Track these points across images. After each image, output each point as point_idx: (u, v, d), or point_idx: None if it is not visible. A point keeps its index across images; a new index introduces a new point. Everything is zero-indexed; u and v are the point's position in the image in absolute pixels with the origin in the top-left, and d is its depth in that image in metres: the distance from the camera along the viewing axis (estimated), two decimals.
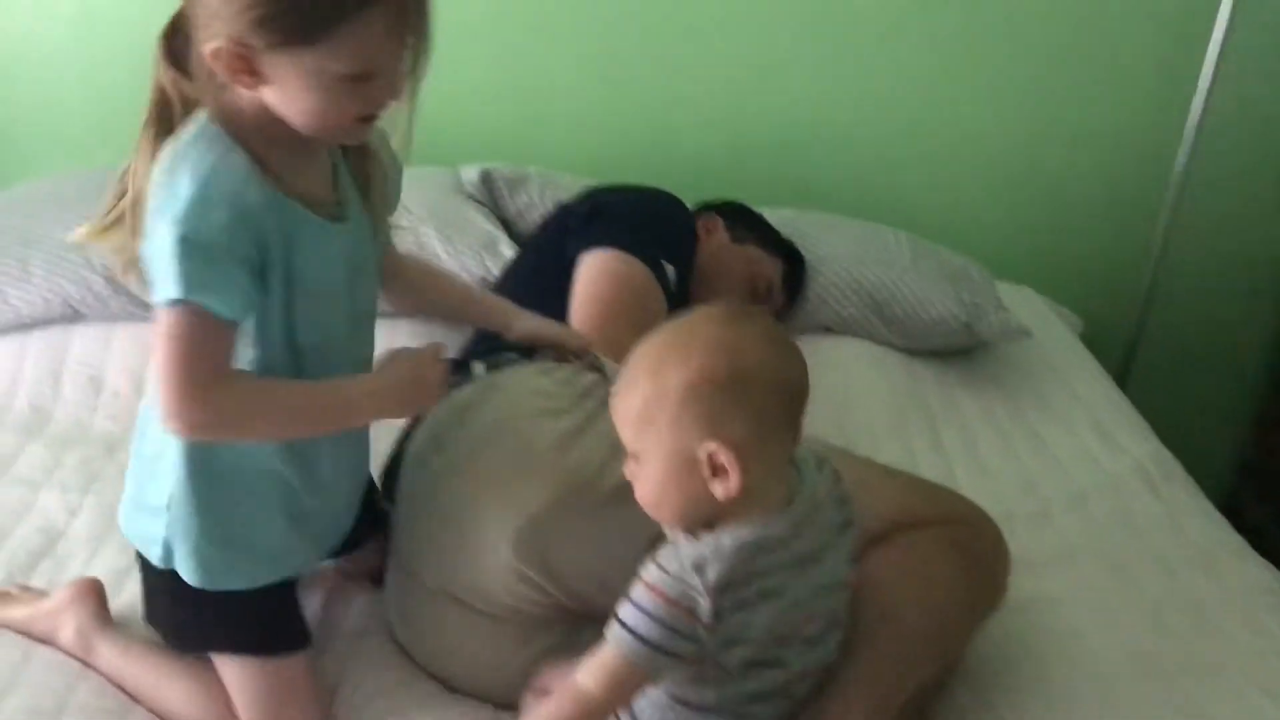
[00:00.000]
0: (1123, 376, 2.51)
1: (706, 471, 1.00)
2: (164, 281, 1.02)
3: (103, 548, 1.47)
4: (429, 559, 1.27)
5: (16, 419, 1.75)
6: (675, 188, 1.93)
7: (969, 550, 1.30)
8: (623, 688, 1.01)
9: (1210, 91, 2.32)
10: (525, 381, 1.33)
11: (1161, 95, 2.41)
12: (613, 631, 0.99)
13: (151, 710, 1.25)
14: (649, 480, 1.03)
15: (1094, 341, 2.37)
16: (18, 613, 1.33)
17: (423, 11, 1.07)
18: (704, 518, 1.03)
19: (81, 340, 1.90)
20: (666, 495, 1.03)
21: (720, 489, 1.00)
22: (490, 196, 2.17)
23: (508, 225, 2.13)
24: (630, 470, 1.05)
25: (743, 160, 2.44)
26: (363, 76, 1.04)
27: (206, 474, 1.14)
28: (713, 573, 0.98)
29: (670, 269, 1.68)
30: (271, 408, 1.10)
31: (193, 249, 1.01)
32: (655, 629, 0.98)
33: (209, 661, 1.24)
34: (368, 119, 1.10)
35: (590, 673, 1.01)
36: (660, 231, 1.75)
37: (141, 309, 1.92)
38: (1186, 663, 1.41)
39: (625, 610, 0.99)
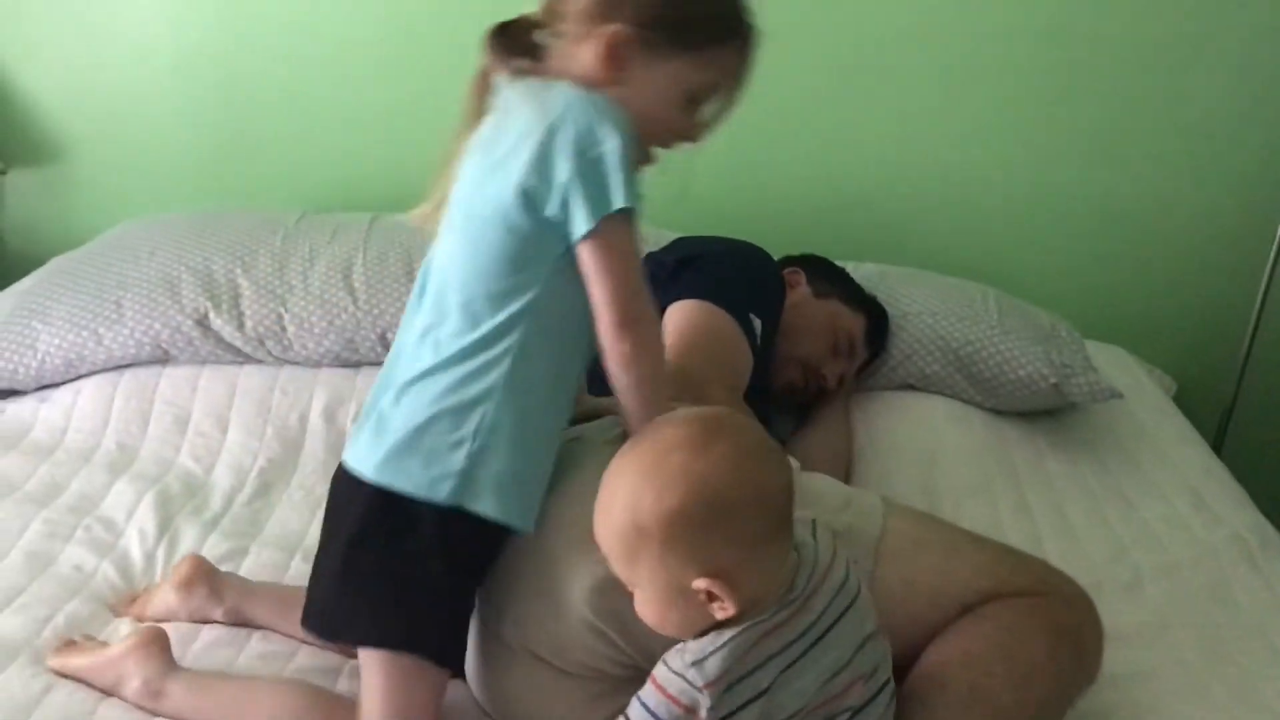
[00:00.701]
0: (1218, 441, 2.43)
1: (703, 599, 1.00)
2: (602, 197, 1.11)
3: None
4: (508, 614, 1.26)
5: (104, 456, 1.78)
6: (758, 241, 1.93)
7: (1062, 625, 1.26)
8: None
9: None
10: (605, 433, 1.32)
11: (1263, 152, 2.35)
12: None
13: None
14: (648, 605, 1.04)
15: (1187, 404, 2.30)
16: (81, 661, 1.31)
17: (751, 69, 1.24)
18: (709, 627, 1.03)
19: (169, 381, 1.93)
20: (668, 618, 1.04)
21: (719, 612, 1.01)
22: None
23: None
24: (629, 589, 1.06)
25: (826, 215, 2.42)
26: (698, 99, 1.22)
27: (524, 404, 1.16)
28: (712, 667, 0.99)
29: (758, 322, 1.67)
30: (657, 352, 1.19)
31: (627, 164, 1.12)
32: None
33: (289, 681, 1.26)
34: (665, 145, 1.24)
35: None
36: (748, 284, 1.75)
37: (228, 352, 1.96)
38: None
39: (633, 707, 1.02)
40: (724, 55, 1.21)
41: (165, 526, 1.61)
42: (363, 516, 1.17)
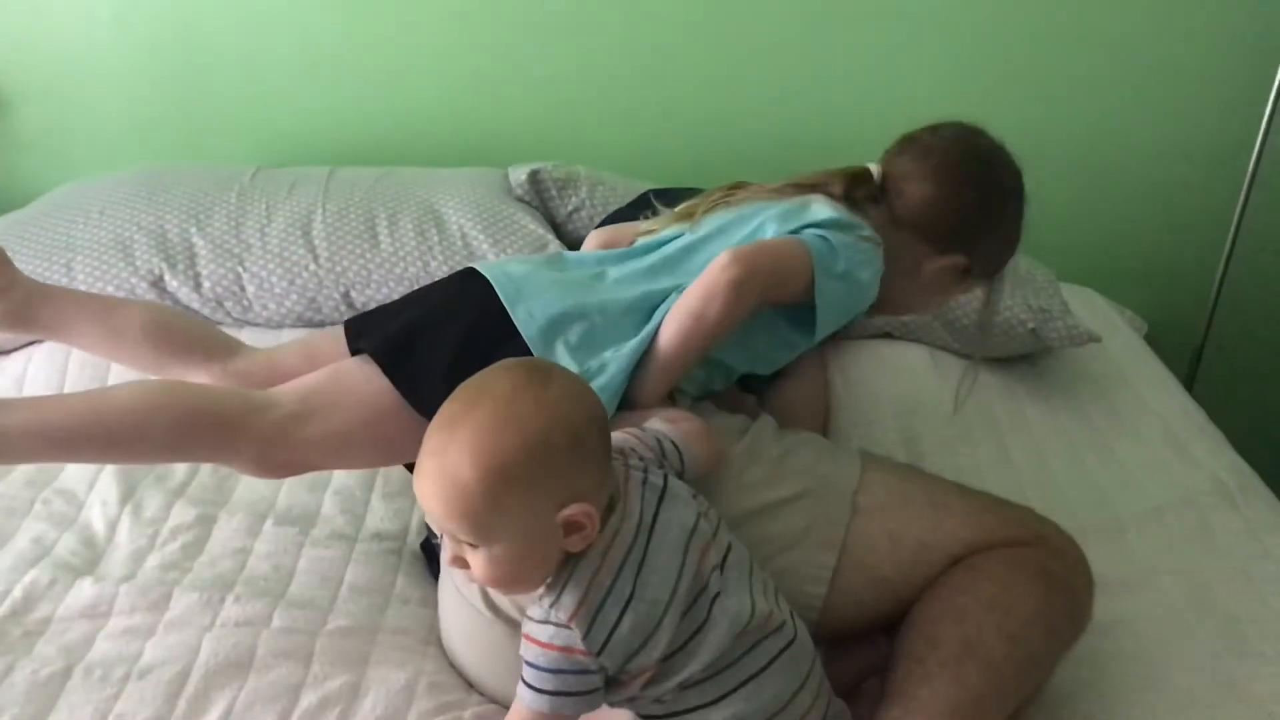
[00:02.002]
0: (1189, 381, 2.44)
1: (560, 534, 1.00)
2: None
3: (143, 560, 1.43)
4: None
5: None
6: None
7: (1052, 575, 1.24)
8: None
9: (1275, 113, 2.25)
10: None
11: (1233, 94, 2.34)
12: (518, 691, 1.02)
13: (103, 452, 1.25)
14: (502, 562, 1.01)
15: (1158, 345, 2.30)
16: None
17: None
18: (556, 568, 1.03)
19: None
20: (525, 568, 1.02)
21: (579, 541, 1.01)
22: (539, 198, 2.13)
23: (557, 227, 2.10)
24: (467, 558, 1.03)
25: (797, 163, 2.38)
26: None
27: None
28: (569, 599, 1.00)
29: None
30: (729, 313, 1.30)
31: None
32: (547, 677, 1.01)
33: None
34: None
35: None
36: None
37: (187, 311, 1.90)
38: (1277, 688, 1.34)
39: (525, 670, 1.02)
40: (992, 248, 1.50)
41: (128, 496, 1.55)
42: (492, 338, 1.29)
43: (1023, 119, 2.38)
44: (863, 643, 1.27)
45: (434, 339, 1.32)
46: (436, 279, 1.90)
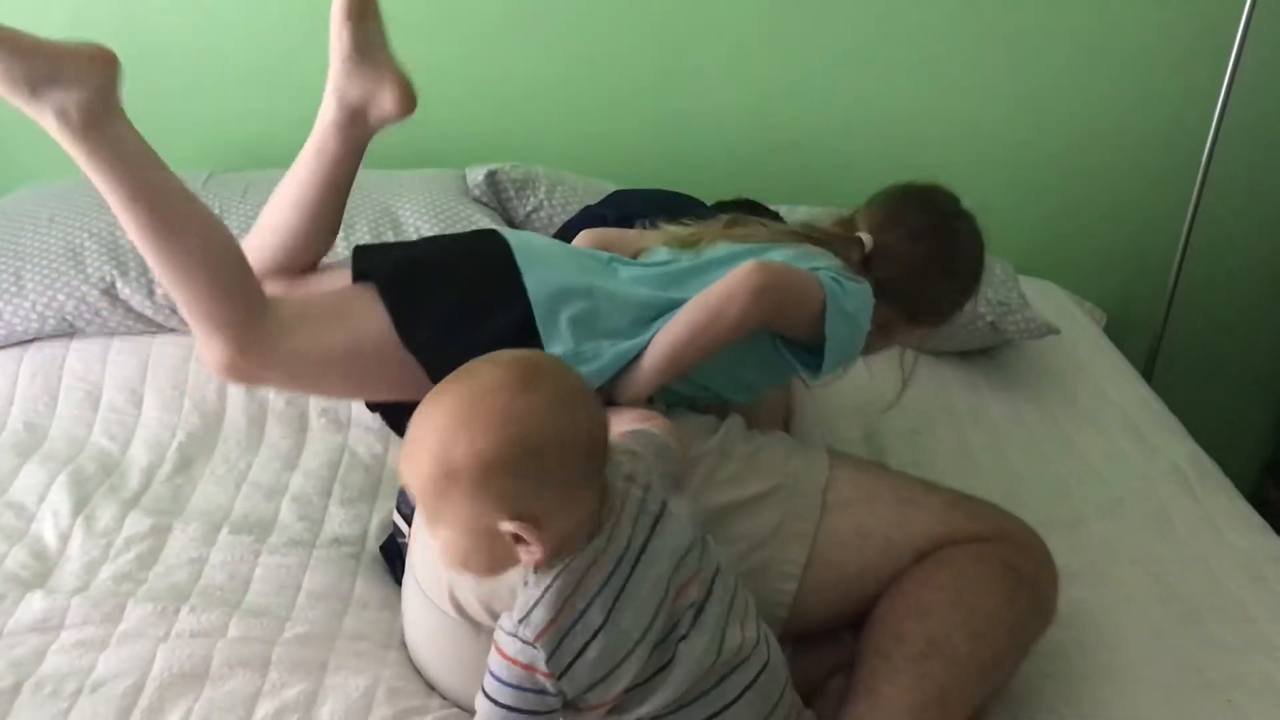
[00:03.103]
0: (1147, 371, 2.46)
1: (509, 540, 0.99)
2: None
3: (95, 572, 1.40)
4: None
5: (11, 438, 1.68)
6: (687, 186, 1.90)
7: (1017, 571, 1.25)
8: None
9: (1235, 84, 2.28)
10: None
11: (1188, 88, 2.37)
12: (478, 697, 1.02)
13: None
14: (453, 546, 1.02)
15: (1117, 336, 2.32)
16: (23, 38, 1.25)
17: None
18: (513, 567, 1.03)
19: (77, 355, 1.84)
20: (471, 559, 1.02)
21: (526, 556, 1.00)
22: (497, 199, 2.12)
23: (516, 228, 2.08)
24: (430, 531, 1.03)
25: (756, 158, 2.39)
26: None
27: None
28: (537, 618, 0.99)
29: None
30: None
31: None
32: (507, 692, 1.00)
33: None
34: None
35: None
36: None
37: (139, 322, 1.87)
38: (1237, 676, 1.35)
39: (486, 678, 1.02)
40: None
41: (81, 507, 1.52)
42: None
43: (983, 114, 2.40)
44: (828, 639, 1.27)
45: (439, 280, 1.34)
46: None
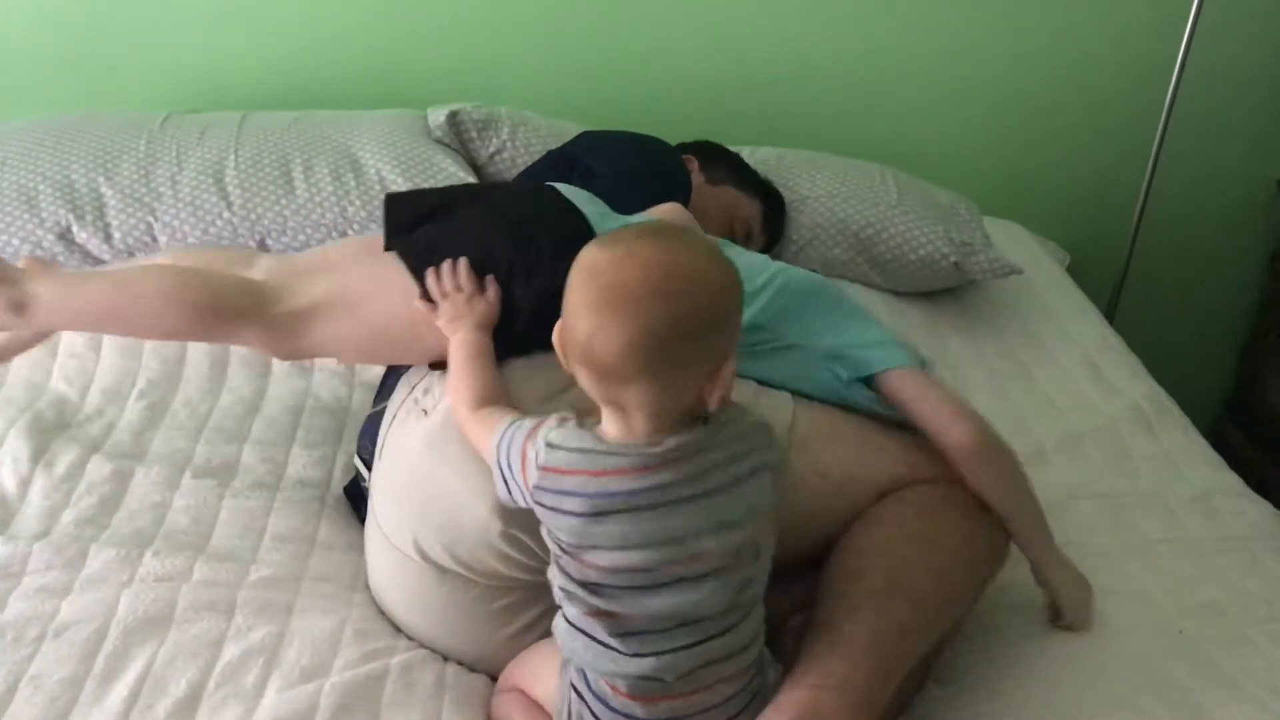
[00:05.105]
0: (1110, 311, 2.48)
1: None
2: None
3: (57, 517, 1.39)
4: (411, 525, 1.22)
5: None
6: (654, 126, 1.90)
7: (975, 509, 1.26)
8: (477, 441, 1.12)
9: (1198, 23, 2.27)
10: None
11: (1149, 26, 2.36)
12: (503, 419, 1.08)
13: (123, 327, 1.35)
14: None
15: (1080, 276, 2.34)
16: None
17: None
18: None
19: None
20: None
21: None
22: (459, 140, 2.09)
23: (478, 170, 2.07)
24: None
25: (720, 99, 2.37)
26: None
27: None
28: (549, 459, 1.02)
29: None
30: None
31: None
32: (513, 441, 1.05)
33: (160, 265, 1.39)
34: None
35: (477, 426, 1.12)
36: (661, 176, 1.74)
37: (97, 266, 1.85)
38: (1188, 606, 1.38)
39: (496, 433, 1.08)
40: None
41: (40, 453, 1.50)
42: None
43: (944, 52, 2.38)
44: (789, 577, 1.28)
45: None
46: (355, 223, 1.88)
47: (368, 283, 1.34)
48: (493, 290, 1.28)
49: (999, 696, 1.23)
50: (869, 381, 1.32)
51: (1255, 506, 1.61)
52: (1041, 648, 1.30)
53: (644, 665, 1.02)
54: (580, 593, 1.03)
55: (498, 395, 1.17)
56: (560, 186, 1.43)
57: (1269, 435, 2.55)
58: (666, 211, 1.57)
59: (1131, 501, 1.59)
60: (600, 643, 1.03)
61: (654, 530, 1.01)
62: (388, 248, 1.40)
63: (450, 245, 1.32)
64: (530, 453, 1.03)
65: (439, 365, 1.29)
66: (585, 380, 1.00)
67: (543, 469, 1.02)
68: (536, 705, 1.14)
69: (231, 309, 1.29)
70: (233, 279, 1.36)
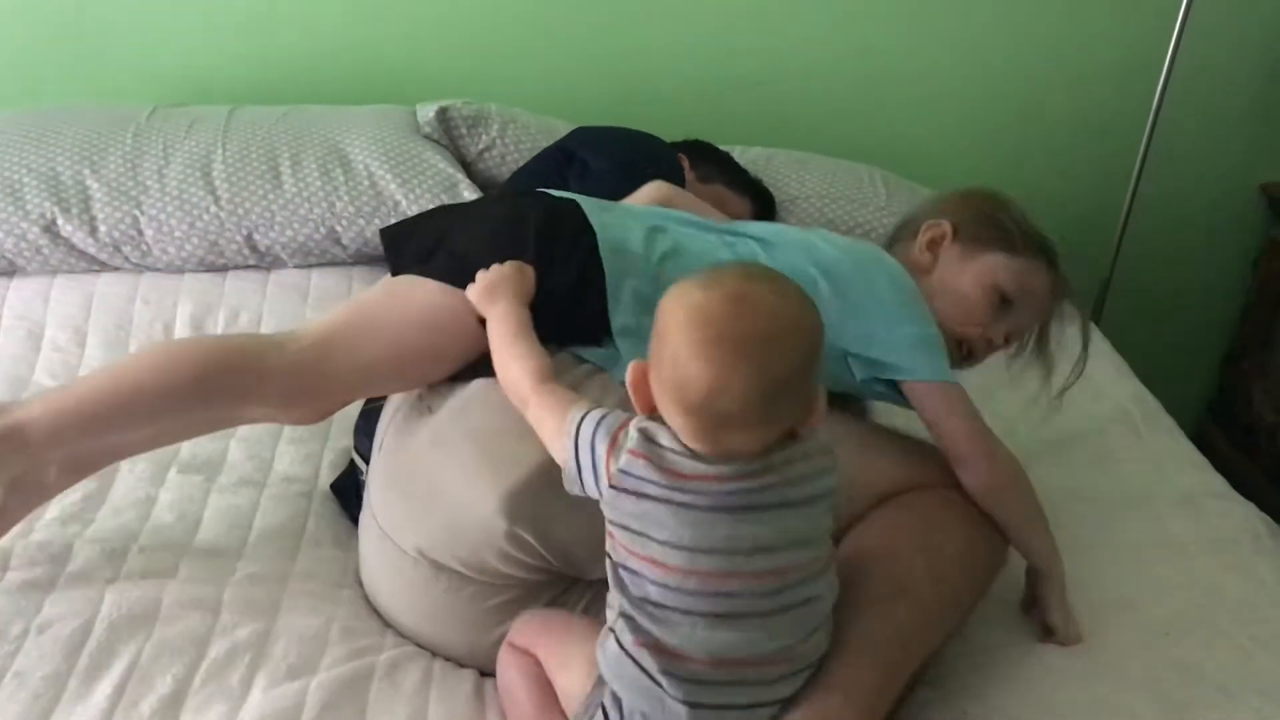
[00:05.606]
0: (1095, 312, 2.49)
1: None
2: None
3: (41, 513, 1.37)
4: (411, 522, 1.21)
5: None
6: (645, 125, 1.90)
7: (975, 515, 1.27)
8: (542, 423, 1.09)
9: (1187, 21, 2.28)
10: None
11: (1136, 32, 2.37)
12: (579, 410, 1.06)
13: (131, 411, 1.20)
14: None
15: (1066, 275, 2.33)
16: None
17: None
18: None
19: (18, 293, 1.80)
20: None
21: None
22: (449, 136, 2.09)
23: (468, 166, 2.06)
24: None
25: (711, 98, 2.37)
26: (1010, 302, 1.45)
27: None
28: (626, 459, 1.00)
29: None
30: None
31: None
32: (598, 428, 1.03)
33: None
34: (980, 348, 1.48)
35: (543, 406, 1.09)
36: (651, 172, 1.70)
37: (82, 260, 1.84)
38: (1173, 609, 1.38)
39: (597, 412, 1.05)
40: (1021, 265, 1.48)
41: None
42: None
43: (933, 55, 2.39)
44: None
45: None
46: (343, 219, 1.87)
47: (384, 298, 1.31)
48: (528, 268, 1.25)
49: (986, 699, 1.23)
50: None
51: (1241, 509, 1.61)
52: (1029, 651, 1.30)
53: (680, 714, 0.99)
54: (635, 613, 1.00)
55: (552, 371, 1.14)
56: (551, 192, 1.43)
57: (1251, 438, 2.56)
58: (655, 189, 1.57)
59: (1117, 504, 1.59)
60: (649, 676, 1.00)
61: (724, 536, 0.99)
62: (397, 274, 1.37)
63: (455, 241, 1.32)
64: (623, 439, 1.01)
65: None
66: (681, 423, 0.98)
67: (632, 453, 1.00)
68: (546, 682, 1.12)
69: (241, 356, 1.21)
70: (237, 335, 1.32)
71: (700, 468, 0.98)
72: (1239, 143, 2.52)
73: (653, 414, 1.02)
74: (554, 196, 1.41)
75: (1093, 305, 2.48)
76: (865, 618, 1.12)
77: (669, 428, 1.00)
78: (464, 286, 1.25)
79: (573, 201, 1.36)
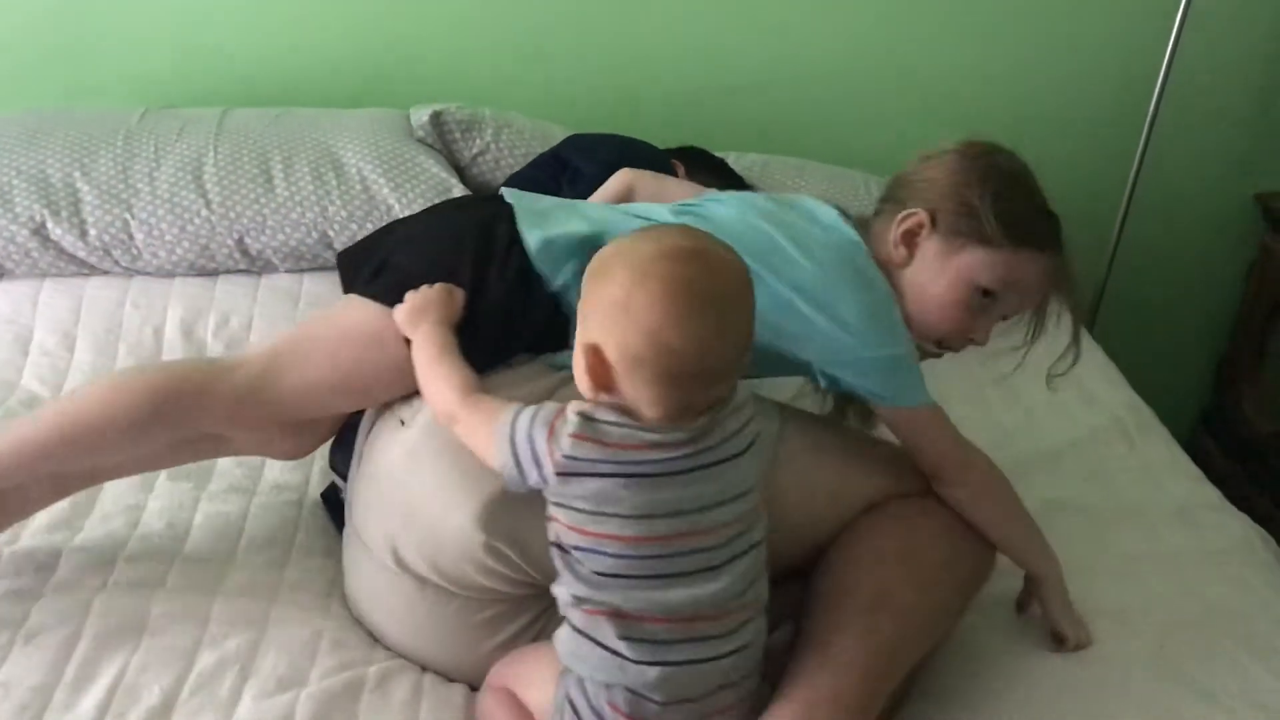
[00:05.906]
0: (1089, 321, 2.49)
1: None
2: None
3: (25, 526, 1.36)
4: (391, 537, 1.20)
5: None
6: (637, 132, 1.88)
7: (961, 524, 1.26)
8: (474, 432, 1.08)
9: (1183, 31, 2.28)
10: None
11: (1132, 42, 2.37)
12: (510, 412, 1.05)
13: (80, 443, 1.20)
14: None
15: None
16: None
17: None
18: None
19: (6, 297, 1.79)
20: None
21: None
22: (442, 140, 2.08)
23: (461, 171, 2.05)
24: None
25: (707, 104, 2.37)
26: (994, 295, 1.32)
27: None
28: (574, 451, 1.00)
29: None
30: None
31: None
32: (534, 421, 1.03)
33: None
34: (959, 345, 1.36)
35: (472, 417, 1.09)
36: None
37: (71, 264, 1.82)
38: (1168, 622, 1.38)
39: (503, 425, 1.05)
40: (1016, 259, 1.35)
41: None
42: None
43: (929, 63, 2.39)
44: (775, 589, 1.27)
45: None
46: (336, 223, 1.86)
47: (329, 317, 1.30)
48: (458, 291, 1.24)
49: (979, 710, 1.23)
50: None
51: (1235, 520, 1.61)
52: (1023, 662, 1.29)
53: (648, 675, 1.01)
54: (590, 592, 1.02)
55: (479, 384, 1.14)
56: (497, 196, 1.39)
57: (1244, 448, 2.56)
58: (619, 177, 1.56)
59: (1112, 515, 1.59)
60: (606, 648, 1.02)
61: (677, 498, 1.01)
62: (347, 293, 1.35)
63: (396, 258, 1.30)
64: (560, 425, 1.01)
65: None
66: (654, 393, 0.99)
67: (575, 437, 1.00)
68: (524, 710, 1.12)
69: (188, 382, 1.21)
70: (184, 361, 1.31)
71: (649, 437, 1.00)
72: (1234, 152, 2.53)
73: (599, 395, 1.02)
74: (493, 207, 1.36)
75: (1086, 314, 2.48)
76: (849, 628, 1.12)
77: (607, 406, 1.02)
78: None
79: (509, 208, 1.33)
